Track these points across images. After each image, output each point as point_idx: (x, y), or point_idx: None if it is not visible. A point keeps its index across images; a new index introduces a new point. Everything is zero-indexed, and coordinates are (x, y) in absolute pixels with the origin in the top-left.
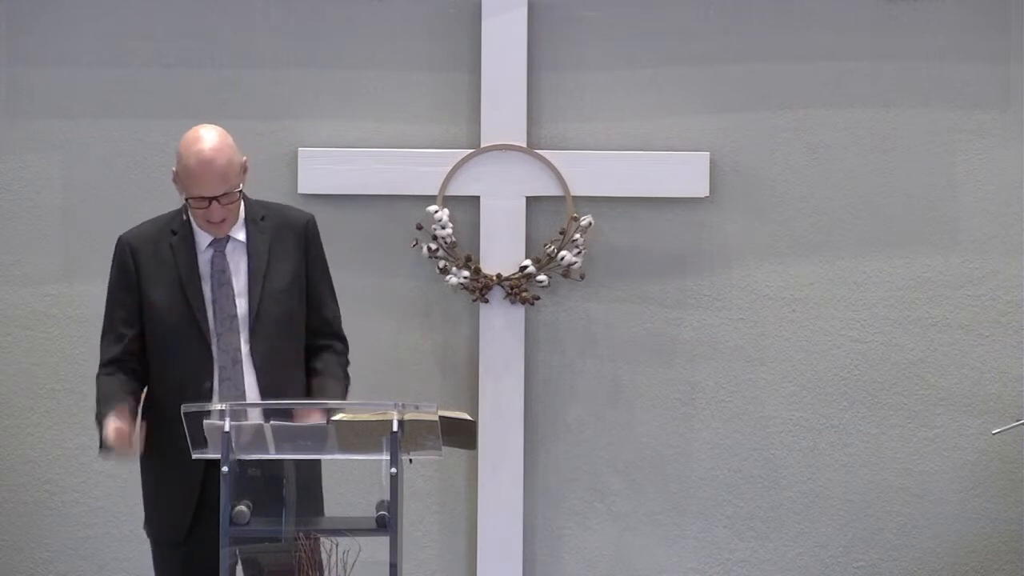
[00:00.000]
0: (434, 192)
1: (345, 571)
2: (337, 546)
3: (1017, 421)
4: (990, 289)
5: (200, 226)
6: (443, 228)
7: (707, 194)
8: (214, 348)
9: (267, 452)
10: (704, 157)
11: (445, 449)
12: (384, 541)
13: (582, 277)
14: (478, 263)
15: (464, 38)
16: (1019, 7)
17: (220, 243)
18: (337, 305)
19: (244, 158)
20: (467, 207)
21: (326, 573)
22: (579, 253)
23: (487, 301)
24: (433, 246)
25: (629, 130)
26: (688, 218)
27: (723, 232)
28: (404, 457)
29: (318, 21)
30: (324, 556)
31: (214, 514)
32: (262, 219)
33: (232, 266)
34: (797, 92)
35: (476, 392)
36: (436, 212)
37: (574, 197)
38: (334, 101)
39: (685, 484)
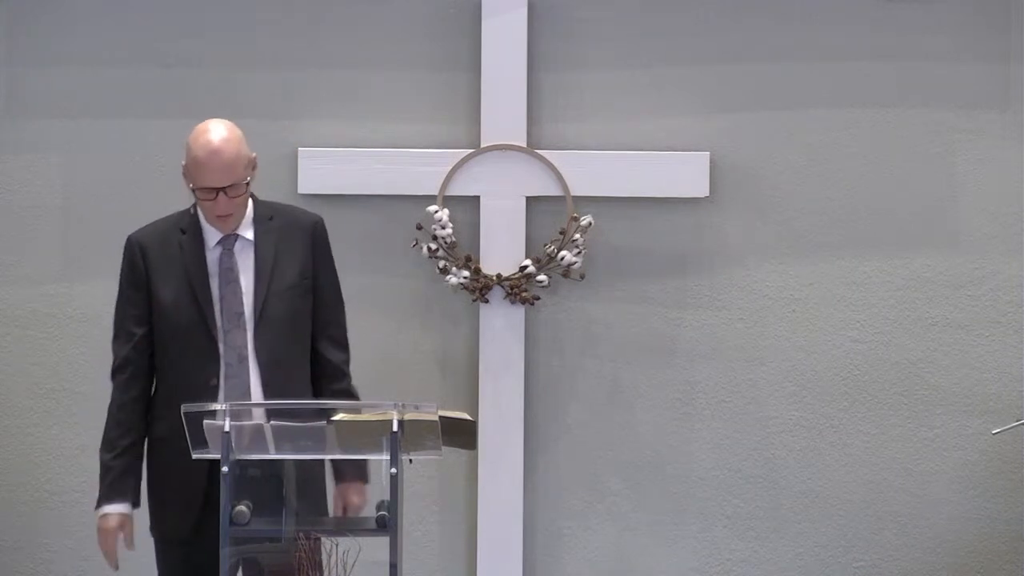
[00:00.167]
0: (434, 192)
1: (345, 571)
2: (337, 546)
3: (1017, 421)
4: (990, 289)
5: (207, 220)
6: (443, 228)
7: (707, 194)
8: (221, 346)
9: (267, 452)
10: (704, 157)
11: (445, 449)
12: (384, 541)
13: (582, 277)
14: (478, 263)
15: (464, 38)
16: (1019, 7)
17: (228, 241)
18: (343, 307)
19: (253, 154)
20: (467, 207)
21: (326, 573)
22: (579, 253)
23: (487, 301)
24: (433, 246)
25: (629, 130)
26: (688, 218)
27: (723, 232)
28: (404, 457)
29: (318, 21)
30: (324, 556)
31: (218, 513)
32: (270, 219)
33: (240, 264)
34: (797, 92)
35: (476, 392)
36: (436, 212)
37: (574, 197)
38: (334, 101)
39: (685, 484)
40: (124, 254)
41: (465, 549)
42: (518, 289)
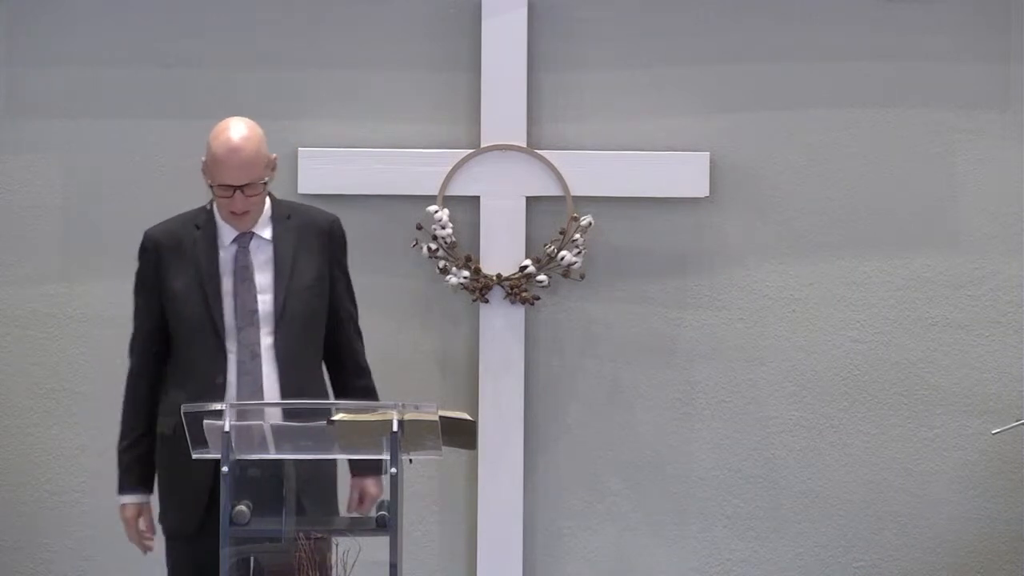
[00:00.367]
0: (434, 192)
1: (345, 571)
2: (337, 546)
3: (1017, 421)
4: (990, 289)
5: (224, 217)
6: (443, 228)
7: (707, 194)
8: (229, 343)
9: (267, 452)
10: (704, 157)
11: (445, 449)
12: (384, 541)
13: (582, 277)
14: (478, 263)
15: (464, 38)
16: (1019, 7)
17: (244, 239)
18: (356, 305)
19: (274, 155)
20: (467, 207)
21: (331, 573)
22: (579, 253)
23: (487, 301)
24: (433, 246)
25: (629, 130)
26: (688, 218)
27: (723, 232)
28: (404, 457)
29: (318, 21)
30: (334, 557)
31: None
32: (288, 218)
33: (255, 263)
34: (797, 92)
35: (476, 392)
36: (436, 212)
37: (574, 197)
38: (334, 101)
39: (685, 484)
40: (140, 248)
41: (465, 549)
42: (518, 289)
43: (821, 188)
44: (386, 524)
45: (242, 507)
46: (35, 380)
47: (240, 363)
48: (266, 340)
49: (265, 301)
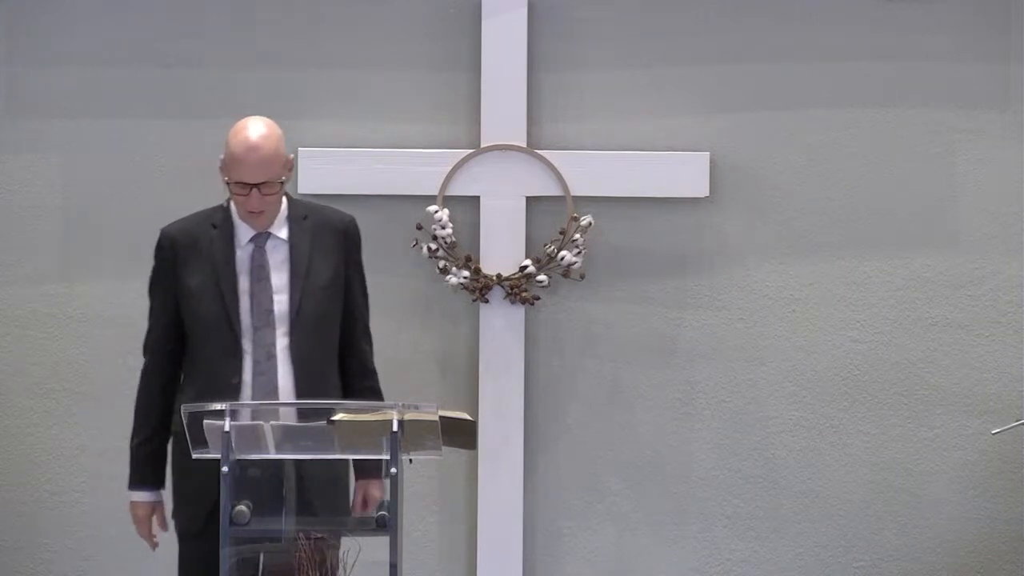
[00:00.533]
0: (434, 192)
1: (345, 571)
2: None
3: (1017, 421)
4: (990, 289)
5: (240, 216)
6: (443, 228)
7: (707, 194)
8: (245, 343)
9: (268, 452)
10: (704, 157)
11: (445, 449)
12: (384, 541)
13: (582, 277)
14: (478, 263)
15: (464, 38)
16: (1019, 7)
17: (261, 239)
18: (368, 307)
19: (291, 155)
20: (467, 207)
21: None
22: (579, 253)
23: (487, 301)
24: (433, 246)
25: (629, 130)
26: (688, 218)
27: (723, 232)
28: (404, 457)
29: (318, 21)
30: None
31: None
32: (304, 218)
33: (272, 263)
34: (797, 92)
35: (476, 392)
36: (436, 212)
37: (574, 197)
38: (334, 101)
39: (685, 484)
40: (156, 246)
41: (465, 549)
42: (518, 289)
43: (821, 188)
44: (386, 524)
45: (242, 507)
46: (35, 380)
47: (256, 363)
48: (282, 341)
49: (281, 301)
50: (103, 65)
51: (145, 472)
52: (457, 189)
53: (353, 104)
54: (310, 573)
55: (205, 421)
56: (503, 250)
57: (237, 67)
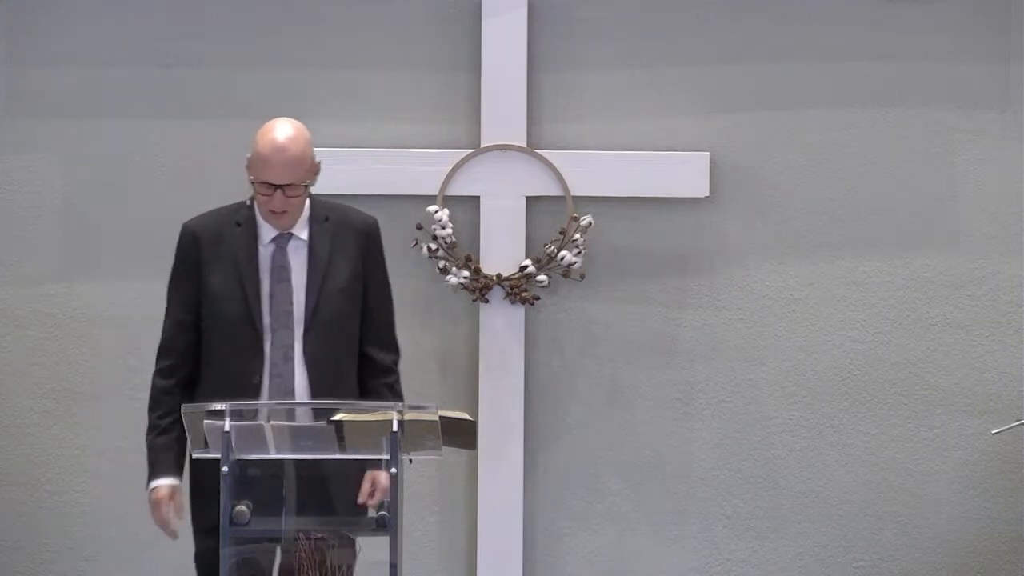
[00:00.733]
0: (434, 192)
1: (349, 572)
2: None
3: (1017, 421)
4: (990, 289)
5: (263, 216)
6: (443, 228)
7: (707, 194)
8: (266, 343)
9: (267, 452)
10: (704, 157)
11: (445, 449)
12: (384, 541)
13: (582, 277)
14: (478, 263)
15: (464, 38)
16: (1019, 7)
17: (282, 240)
18: (392, 310)
19: (319, 160)
20: (467, 207)
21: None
22: (579, 253)
23: (487, 301)
24: (433, 246)
25: (629, 130)
26: (688, 218)
27: (723, 232)
28: (404, 457)
29: (318, 21)
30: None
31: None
32: (326, 220)
33: (292, 263)
34: (797, 92)
35: (476, 392)
36: (436, 212)
37: (574, 197)
38: (334, 101)
39: (685, 484)
40: (178, 241)
41: (465, 549)
42: (518, 289)
43: (821, 188)
44: (386, 524)
45: (242, 507)
46: (35, 380)
47: (273, 365)
48: (299, 342)
49: (299, 303)
50: (103, 65)
51: (165, 459)
52: (457, 189)
53: (353, 104)
54: (310, 573)
55: (206, 421)
56: (503, 250)
57: (237, 67)
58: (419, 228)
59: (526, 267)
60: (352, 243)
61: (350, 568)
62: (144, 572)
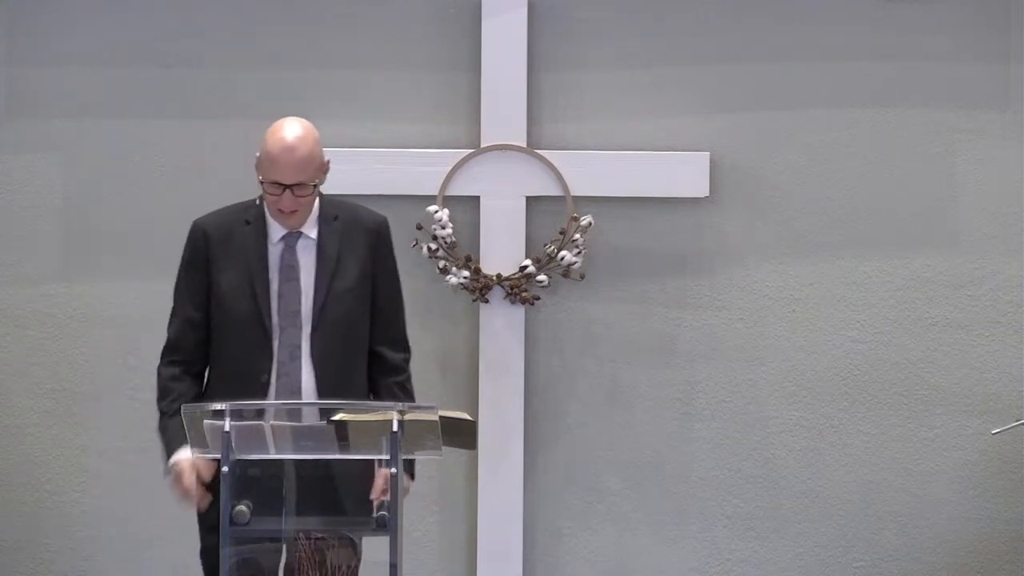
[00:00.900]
0: (434, 192)
1: (350, 572)
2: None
3: (1017, 421)
4: (990, 289)
5: (271, 215)
6: (443, 228)
7: (707, 194)
8: (274, 342)
9: (267, 452)
10: (704, 157)
11: (445, 449)
12: (384, 541)
13: (582, 277)
14: (478, 263)
15: (464, 38)
16: (1019, 7)
17: (291, 238)
18: (402, 309)
19: (327, 159)
20: (467, 207)
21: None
22: (579, 253)
23: (487, 301)
24: (433, 246)
25: (629, 130)
26: (688, 218)
27: (723, 232)
28: (404, 457)
29: (318, 21)
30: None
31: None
32: (335, 218)
33: (301, 262)
34: (797, 92)
35: (476, 392)
36: (436, 212)
37: (574, 197)
38: (334, 101)
39: (685, 484)
40: (188, 238)
41: (465, 549)
42: (518, 289)
43: (821, 188)
44: (386, 524)
45: (242, 507)
46: (35, 380)
47: (280, 363)
48: (306, 341)
49: (307, 302)
50: (103, 65)
51: (181, 436)
52: (457, 189)
53: (353, 104)
54: (310, 573)
55: (206, 421)
56: (503, 250)
57: (237, 67)
58: (419, 228)
59: (526, 267)
60: (362, 242)
61: (352, 568)
62: (144, 572)
